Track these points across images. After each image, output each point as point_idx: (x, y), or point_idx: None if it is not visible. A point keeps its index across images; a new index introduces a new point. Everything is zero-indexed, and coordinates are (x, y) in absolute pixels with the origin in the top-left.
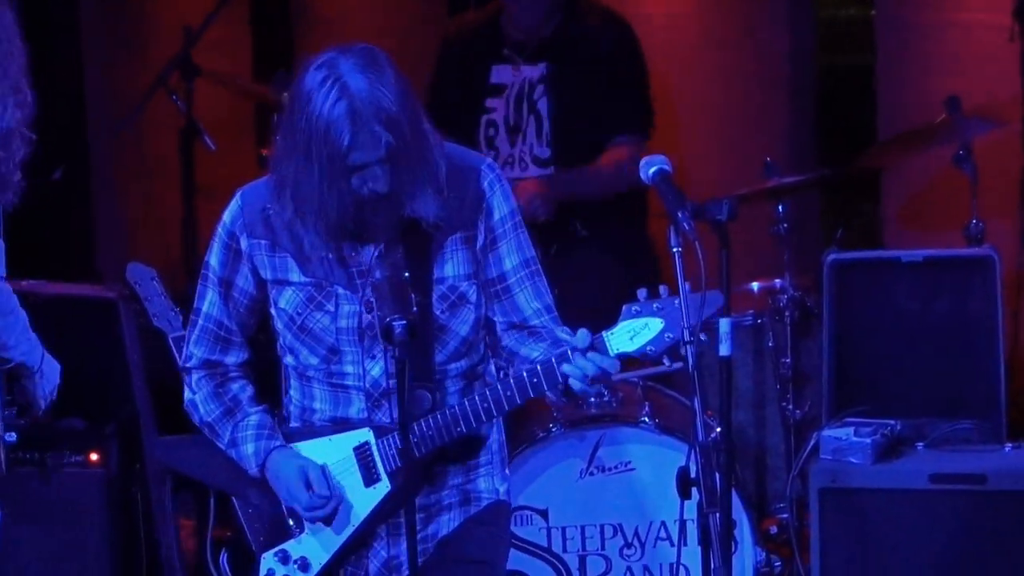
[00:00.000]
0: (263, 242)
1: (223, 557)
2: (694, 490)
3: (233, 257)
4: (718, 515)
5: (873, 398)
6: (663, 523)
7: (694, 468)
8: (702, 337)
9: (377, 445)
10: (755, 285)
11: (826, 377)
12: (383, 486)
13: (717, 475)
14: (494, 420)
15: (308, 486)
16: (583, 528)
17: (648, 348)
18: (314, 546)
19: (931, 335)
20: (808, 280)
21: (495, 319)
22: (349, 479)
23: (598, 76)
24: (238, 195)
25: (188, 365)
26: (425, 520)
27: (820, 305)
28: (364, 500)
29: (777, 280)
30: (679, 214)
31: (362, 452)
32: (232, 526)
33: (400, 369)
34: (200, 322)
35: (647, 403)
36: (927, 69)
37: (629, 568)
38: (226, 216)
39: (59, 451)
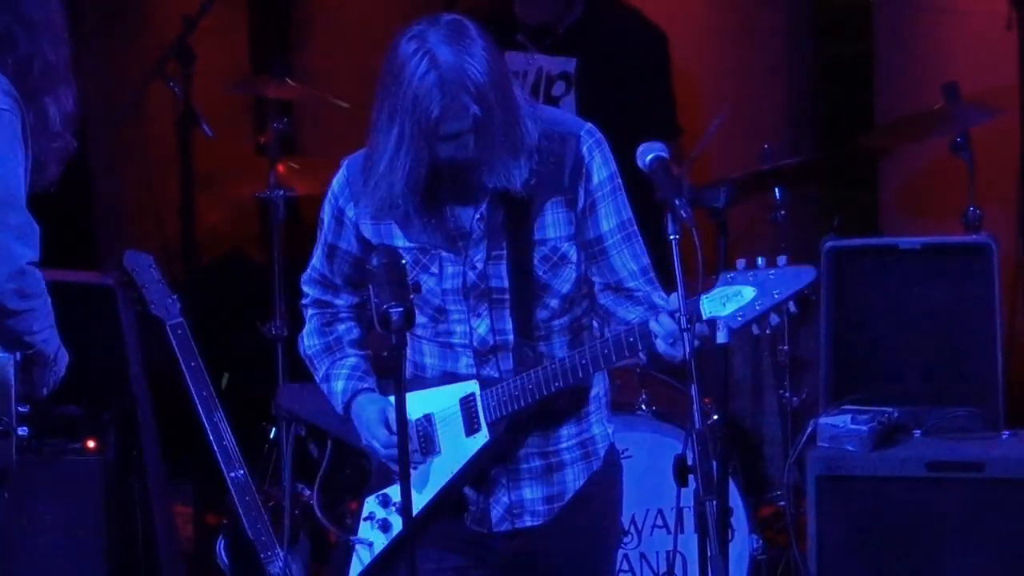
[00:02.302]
0: (367, 210)
1: (220, 545)
2: (691, 478)
3: (337, 225)
4: (715, 503)
5: (870, 385)
6: (660, 511)
7: (691, 455)
8: (791, 308)
9: (481, 396)
10: None
11: (823, 364)
12: (482, 436)
13: (714, 463)
14: (591, 376)
15: (387, 427)
16: None
17: (738, 315)
18: (416, 491)
19: (929, 322)
20: None
21: (593, 279)
22: (452, 428)
23: (629, 79)
24: (344, 164)
25: (304, 303)
26: (547, 471)
27: (818, 292)
28: (463, 449)
29: None
30: (676, 201)
31: (467, 403)
32: (229, 513)
33: (397, 356)
34: (309, 270)
35: (644, 390)
36: (925, 56)
37: (626, 556)
38: (334, 185)
39: (57, 438)
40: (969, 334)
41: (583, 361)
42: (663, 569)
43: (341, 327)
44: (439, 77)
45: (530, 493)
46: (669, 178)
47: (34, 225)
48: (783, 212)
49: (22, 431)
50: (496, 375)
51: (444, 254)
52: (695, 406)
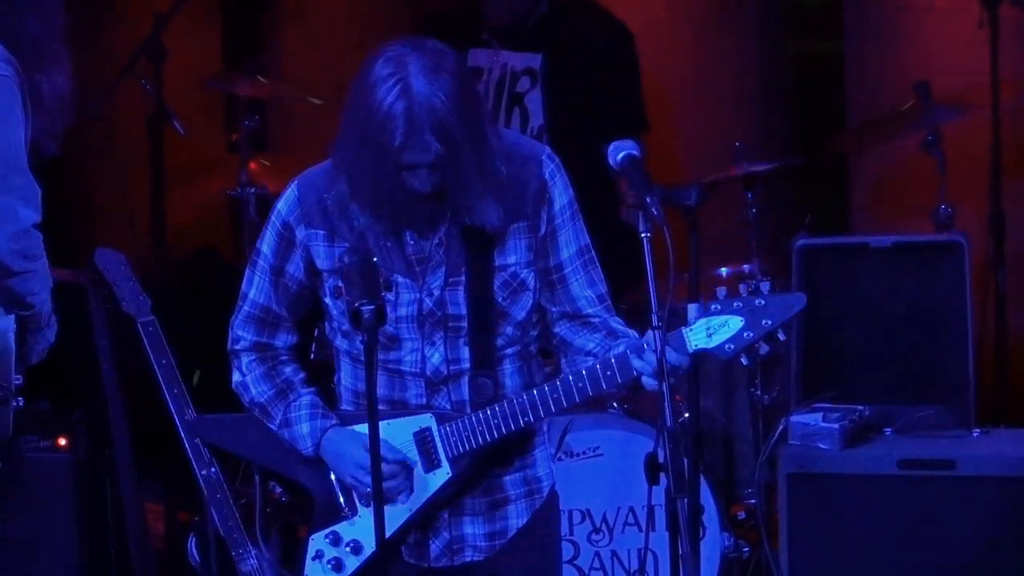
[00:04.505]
0: (320, 232)
1: (191, 542)
2: (662, 476)
3: (286, 246)
4: (686, 501)
5: (842, 383)
6: (631, 508)
7: (662, 453)
8: (780, 337)
9: (439, 431)
10: (724, 270)
11: (794, 362)
12: (443, 472)
13: (685, 461)
14: (563, 411)
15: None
16: None
17: (727, 346)
18: (368, 529)
19: (900, 321)
20: (777, 265)
21: (549, 307)
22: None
23: (596, 75)
24: (294, 184)
25: (237, 348)
26: (491, 507)
27: (789, 290)
28: (423, 485)
29: (746, 265)
30: (648, 199)
31: (422, 437)
32: (200, 511)
33: (368, 351)
34: (246, 307)
35: None
36: (896, 54)
37: (597, 553)
38: (281, 205)
39: (27, 435)
40: (940, 332)
41: (555, 395)
42: (635, 567)
43: (287, 369)
44: (407, 107)
45: (471, 528)
46: (641, 176)
47: (36, 187)
48: (754, 210)
49: (17, 402)
50: (448, 406)
51: (400, 279)
52: (666, 404)
